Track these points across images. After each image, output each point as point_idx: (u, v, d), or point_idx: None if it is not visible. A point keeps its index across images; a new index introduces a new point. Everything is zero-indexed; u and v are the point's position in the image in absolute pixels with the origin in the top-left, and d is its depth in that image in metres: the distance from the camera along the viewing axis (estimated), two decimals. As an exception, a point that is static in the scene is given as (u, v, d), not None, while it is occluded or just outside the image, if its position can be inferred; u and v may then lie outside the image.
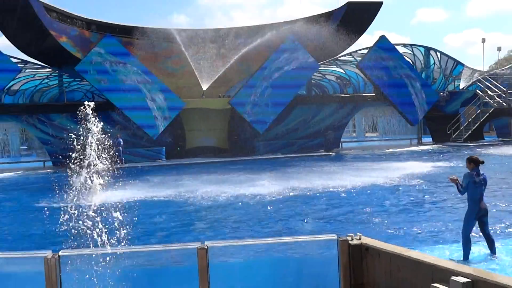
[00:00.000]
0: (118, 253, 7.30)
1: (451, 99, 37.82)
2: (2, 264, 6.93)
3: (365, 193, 17.39)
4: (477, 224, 9.19)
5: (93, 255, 6.79)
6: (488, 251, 9.32)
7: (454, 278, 5.65)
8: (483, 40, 60.02)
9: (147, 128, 30.97)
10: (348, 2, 34.56)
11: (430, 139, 38.33)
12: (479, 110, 37.45)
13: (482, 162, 9.11)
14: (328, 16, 35.10)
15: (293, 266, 7.23)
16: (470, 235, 9.10)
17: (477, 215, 8.96)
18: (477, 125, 37.25)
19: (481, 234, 9.38)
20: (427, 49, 38.69)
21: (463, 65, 39.66)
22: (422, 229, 11.97)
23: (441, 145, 35.82)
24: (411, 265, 6.57)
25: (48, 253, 6.24)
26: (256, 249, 7.44)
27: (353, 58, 36.53)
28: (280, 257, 7.37)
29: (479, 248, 9.66)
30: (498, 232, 11.10)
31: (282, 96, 32.59)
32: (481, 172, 9.04)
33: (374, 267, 6.88)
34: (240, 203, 16.27)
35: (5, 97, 31.08)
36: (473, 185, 8.83)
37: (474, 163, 8.97)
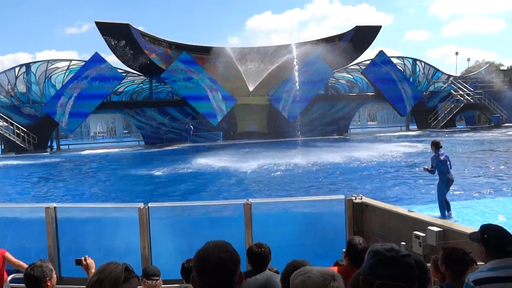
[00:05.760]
0: (189, 205, 7.40)
1: (432, 96, 36.84)
2: (112, 210, 7.18)
3: (366, 165, 17.06)
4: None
5: (171, 207, 6.92)
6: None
7: (430, 227, 5.53)
8: (456, 53, 58.09)
9: (209, 117, 31.13)
10: (356, 26, 33.91)
11: (415, 126, 37.37)
12: (453, 105, 36.32)
13: (441, 146, 8.64)
14: (341, 36, 34.41)
15: (312, 217, 7.20)
16: (444, 200, 8.57)
17: (447, 184, 8.55)
18: (450, 116, 36.20)
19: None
20: (414, 60, 37.61)
21: (441, 72, 38.54)
22: (404, 191, 11.71)
23: (423, 131, 34.85)
24: (398, 218, 6.45)
25: (141, 205, 6.39)
26: (286, 205, 7.43)
27: (359, 67, 35.74)
28: (303, 211, 7.35)
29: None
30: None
31: (306, 95, 32.16)
32: (442, 151, 8.58)
33: (371, 219, 6.79)
34: (275, 171, 16.21)
35: (113, 96, 31.86)
36: (439, 163, 8.43)
37: (435, 146, 8.55)
